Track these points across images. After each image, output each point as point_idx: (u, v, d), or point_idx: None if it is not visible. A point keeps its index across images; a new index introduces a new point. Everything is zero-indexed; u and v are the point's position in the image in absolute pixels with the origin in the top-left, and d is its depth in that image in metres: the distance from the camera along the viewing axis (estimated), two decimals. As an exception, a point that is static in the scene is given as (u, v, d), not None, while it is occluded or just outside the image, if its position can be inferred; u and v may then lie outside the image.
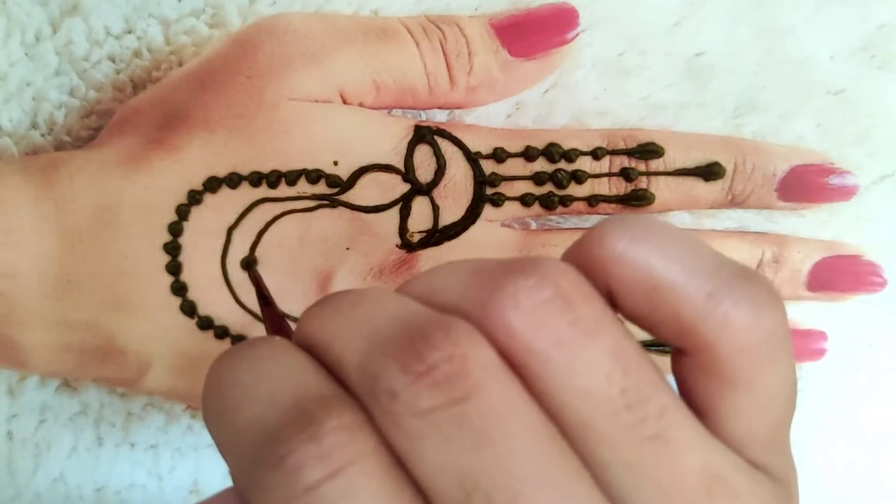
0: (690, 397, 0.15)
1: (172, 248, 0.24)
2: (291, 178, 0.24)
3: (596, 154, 0.26)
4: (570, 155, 0.26)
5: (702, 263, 0.15)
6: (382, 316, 0.15)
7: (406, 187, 0.25)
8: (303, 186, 0.24)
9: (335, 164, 0.24)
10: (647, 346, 0.27)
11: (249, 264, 0.24)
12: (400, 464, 0.14)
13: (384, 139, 0.25)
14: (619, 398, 0.14)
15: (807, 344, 0.28)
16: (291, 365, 0.15)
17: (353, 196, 0.25)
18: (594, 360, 0.14)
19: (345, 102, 0.25)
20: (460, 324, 0.14)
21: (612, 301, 0.15)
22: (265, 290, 0.21)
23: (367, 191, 0.25)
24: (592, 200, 0.26)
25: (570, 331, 0.14)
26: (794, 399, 0.16)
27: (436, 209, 0.25)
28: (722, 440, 0.15)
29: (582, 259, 0.15)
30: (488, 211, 0.26)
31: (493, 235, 0.26)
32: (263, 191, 0.24)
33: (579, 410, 0.14)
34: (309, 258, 0.25)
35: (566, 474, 0.14)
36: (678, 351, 0.15)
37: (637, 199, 0.26)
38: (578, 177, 0.26)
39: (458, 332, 0.14)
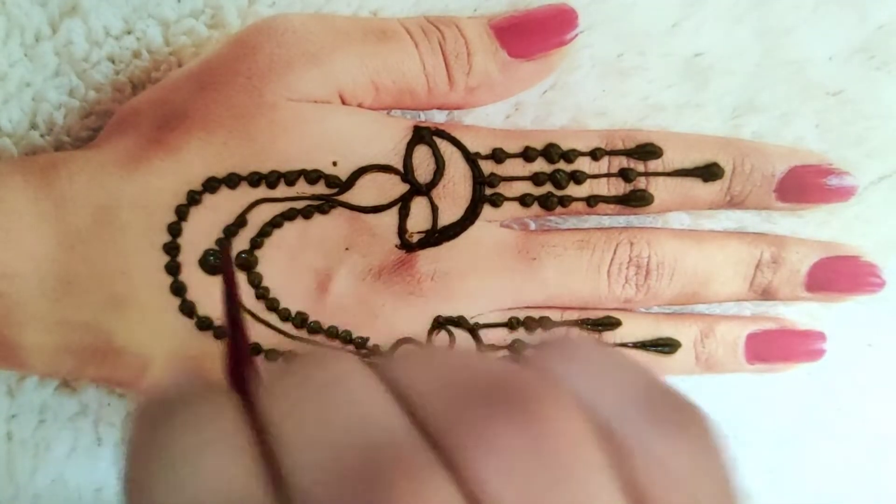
0: None
1: (171, 249, 0.24)
2: (290, 178, 0.24)
3: (595, 155, 0.26)
4: (569, 155, 0.26)
5: (633, 396, 0.14)
6: (343, 429, 0.13)
7: (405, 188, 0.25)
8: (302, 187, 0.24)
9: (334, 164, 0.24)
10: (646, 346, 0.27)
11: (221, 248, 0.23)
12: None
13: (383, 140, 0.25)
14: None
15: (806, 345, 0.28)
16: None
17: (352, 196, 0.25)
18: None
19: (344, 103, 0.25)
20: (426, 468, 0.12)
21: None
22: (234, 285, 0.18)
23: (366, 191, 0.25)
24: (591, 201, 0.26)
25: (542, 496, 0.12)
26: None
27: (435, 209, 0.25)
28: None
29: None
30: (487, 211, 0.26)
31: (492, 236, 0.26)
32: (262, 191, 0.24)
33: None
34: (308, 258, 0.25)
35: None
36: None
37: (636, 200, 0.26)
38: (577, 177, 0.26)
39: (421, 481, 0.12)
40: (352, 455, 0.12)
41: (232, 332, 0.17)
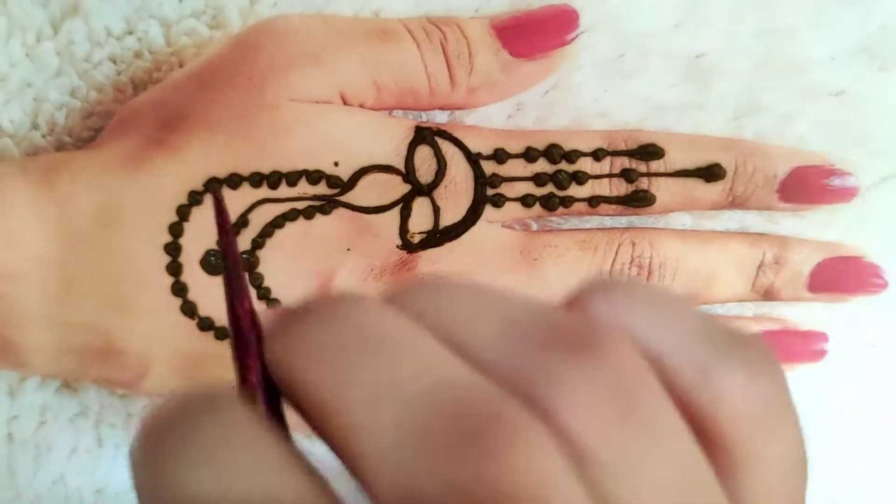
0: None
1: (173, 249, 0.24)
2: (292, 178, 0.24)
3: (597, 155, 0.26)
4: (571, 156, 0.26)
5: (691, 331, 0.13)
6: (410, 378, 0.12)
7: (406, 188, 0.25)
8: (303, 187, 0.24)
9: (336, 164, 0.24)
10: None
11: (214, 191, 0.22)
12: None
13: (385, 140, 0.25)
14: None
15: (807, 345, 0.28)
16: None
17: (353, 197, 0.25)
18: (659, 475, 0.12)
19: (345, 103, 0.25)
20: (528, 427, 0.11)
21: None
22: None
23: (368, 192, 0.25)
24: (593, 201, 0.26)
25: (636, 438, 0.12)
26: (805, 471, 0.14)
27: (436, 210, 0.25)
28: None
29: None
30: (489, 212, 0.26)
31: (493, 236, 0.26)
32: (264, 191, 0.24)
33: None
34: (310, 259, 0.25)
35: None
36: None
37: (638, 201, 0.26)
38: (579, 178, 0.26)
39: (527, 443, 0.11)
40: (438, 421, 0.11)
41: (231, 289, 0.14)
